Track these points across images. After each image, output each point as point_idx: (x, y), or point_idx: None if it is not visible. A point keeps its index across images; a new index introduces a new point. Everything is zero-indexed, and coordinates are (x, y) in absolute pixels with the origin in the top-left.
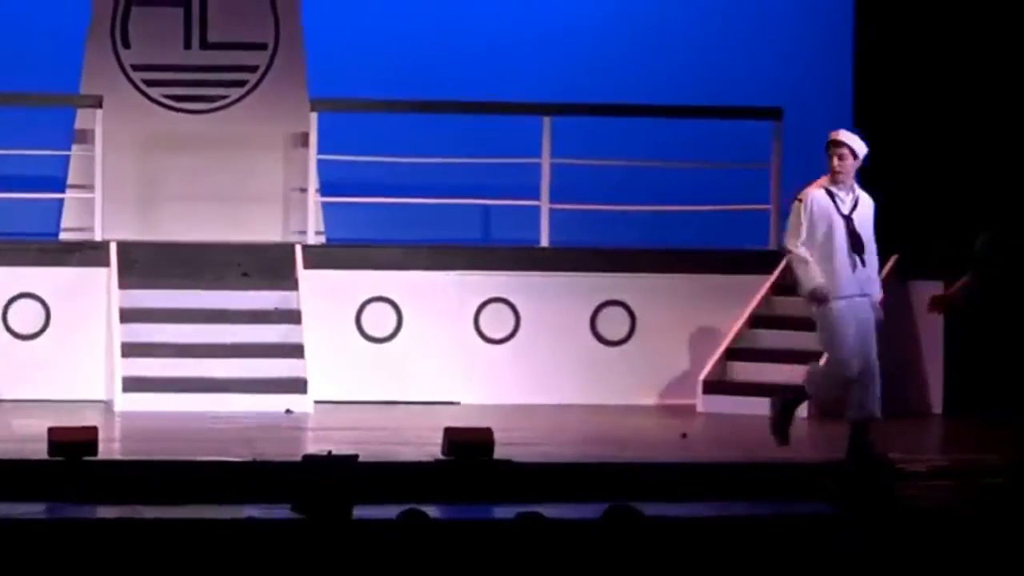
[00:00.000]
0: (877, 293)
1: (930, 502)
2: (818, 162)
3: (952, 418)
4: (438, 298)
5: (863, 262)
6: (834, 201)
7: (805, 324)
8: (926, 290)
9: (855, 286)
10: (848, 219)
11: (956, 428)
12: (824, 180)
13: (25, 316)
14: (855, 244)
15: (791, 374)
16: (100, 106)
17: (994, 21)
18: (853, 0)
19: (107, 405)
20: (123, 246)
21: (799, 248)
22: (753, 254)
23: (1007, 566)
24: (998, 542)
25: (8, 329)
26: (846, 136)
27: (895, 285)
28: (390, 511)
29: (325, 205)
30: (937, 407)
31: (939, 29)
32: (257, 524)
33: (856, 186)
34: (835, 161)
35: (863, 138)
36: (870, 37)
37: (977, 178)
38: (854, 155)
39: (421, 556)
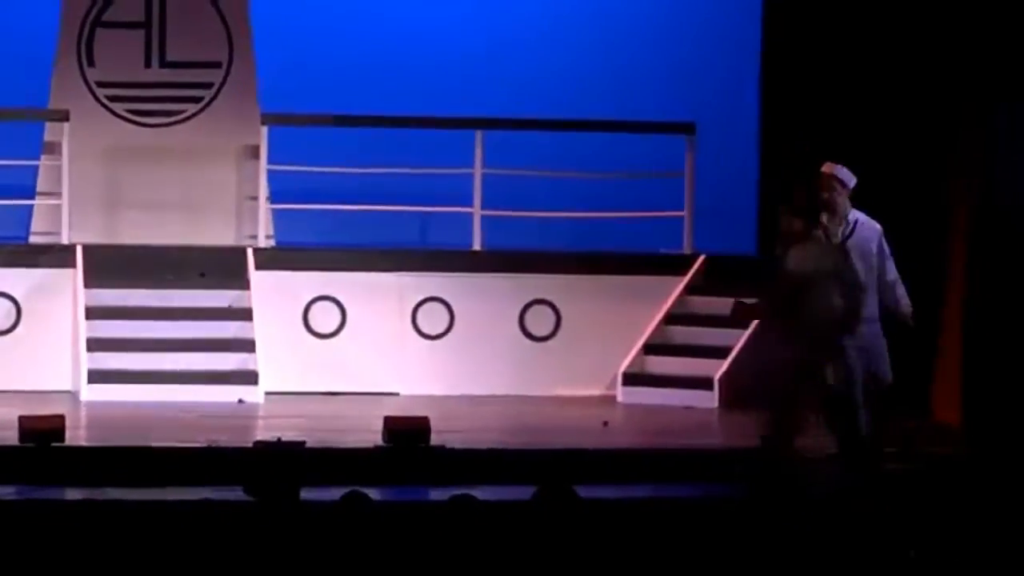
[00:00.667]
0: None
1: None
2: (727, 173)
3: None
4: (379, 297)
5: None
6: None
7: (715, 322)
8: None
9: None
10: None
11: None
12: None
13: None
14: None
15: (702, 367)
16: (67, 120)
17: (896, 31)
18: (760, 20)
19: (74, 396)
20: (88, 249)
21: None
22: (668, 257)
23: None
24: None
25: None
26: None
27: None
28: (334, 493)
29: (275, 211)
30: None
31: (843, 41)
32: (212, 505)
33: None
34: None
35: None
36: (776, 52)
37: (878, 183)
38: (842, 186)
39: (363, 536)
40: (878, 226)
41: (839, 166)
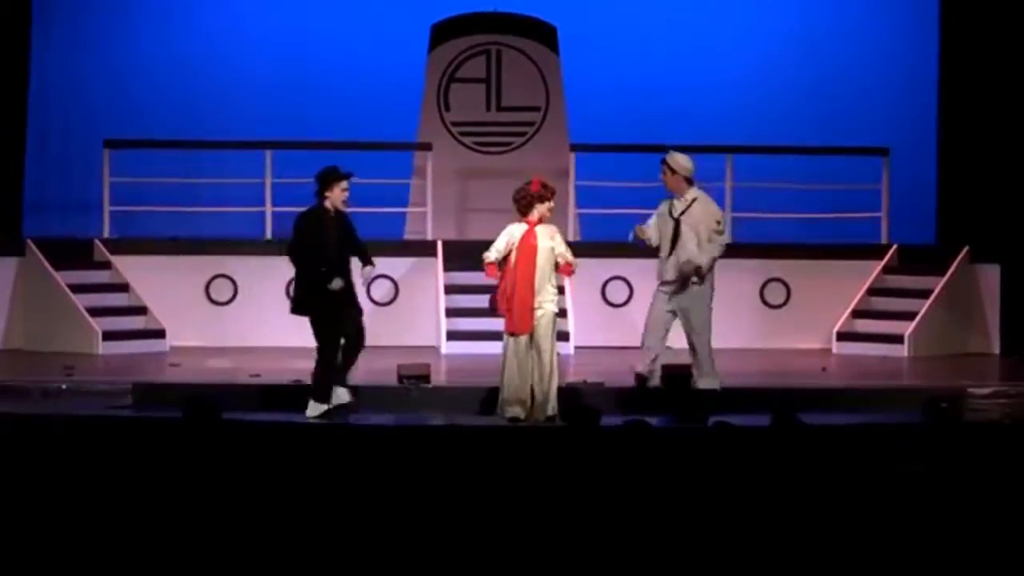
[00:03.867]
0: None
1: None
2: (913, 180)
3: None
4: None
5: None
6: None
7: (905, 293)
8: (990, 272)
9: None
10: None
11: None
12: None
13: (382, 290)
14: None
15: (896, 327)
16: (431, 149)
17: None
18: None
19: (436, 350)
20: (446, 243)
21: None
22: (870, 246)
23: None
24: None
25: (370, 299)
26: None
27: (965, 266)
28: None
29: (580, 216)
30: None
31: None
32: (524, 431)
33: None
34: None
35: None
36: (952, 74)
37: None
38: (672, 171)
39: (647, 455)
40: (714, 208)
41: (671, 153)
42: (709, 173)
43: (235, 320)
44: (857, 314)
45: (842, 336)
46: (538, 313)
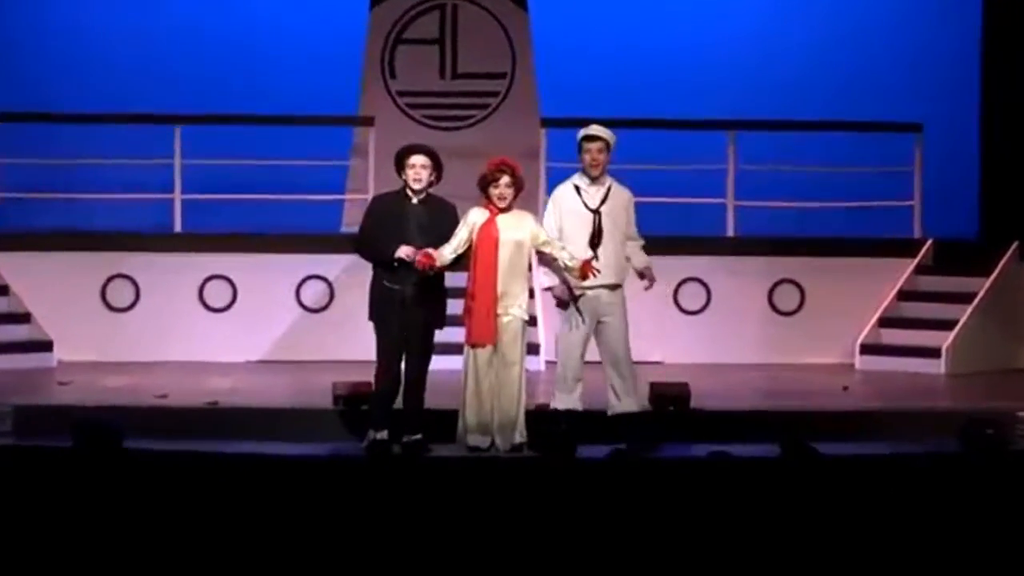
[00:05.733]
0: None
1: None
2: (952, 166)
3: None
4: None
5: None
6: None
7: (942, 298)
8: None
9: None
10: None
11: None
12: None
13: (314, 293)
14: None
15: (931, 338)
16: (372, 125)
17: None
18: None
19: None
20: None
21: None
22: (900, 241)
23: None
24: None
25: (300, 304)
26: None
27: (1014, 266)
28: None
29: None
30: None
31: None
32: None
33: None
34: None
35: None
36: (995, 54)
37: None
38: (609, 148)
39: (631, 486)
40: (629, 195)
41: (593, 127)
42: (706, 153)
43: (137, 330)
44: (884, 323)
45: (867, 349)
46: (503, 320)
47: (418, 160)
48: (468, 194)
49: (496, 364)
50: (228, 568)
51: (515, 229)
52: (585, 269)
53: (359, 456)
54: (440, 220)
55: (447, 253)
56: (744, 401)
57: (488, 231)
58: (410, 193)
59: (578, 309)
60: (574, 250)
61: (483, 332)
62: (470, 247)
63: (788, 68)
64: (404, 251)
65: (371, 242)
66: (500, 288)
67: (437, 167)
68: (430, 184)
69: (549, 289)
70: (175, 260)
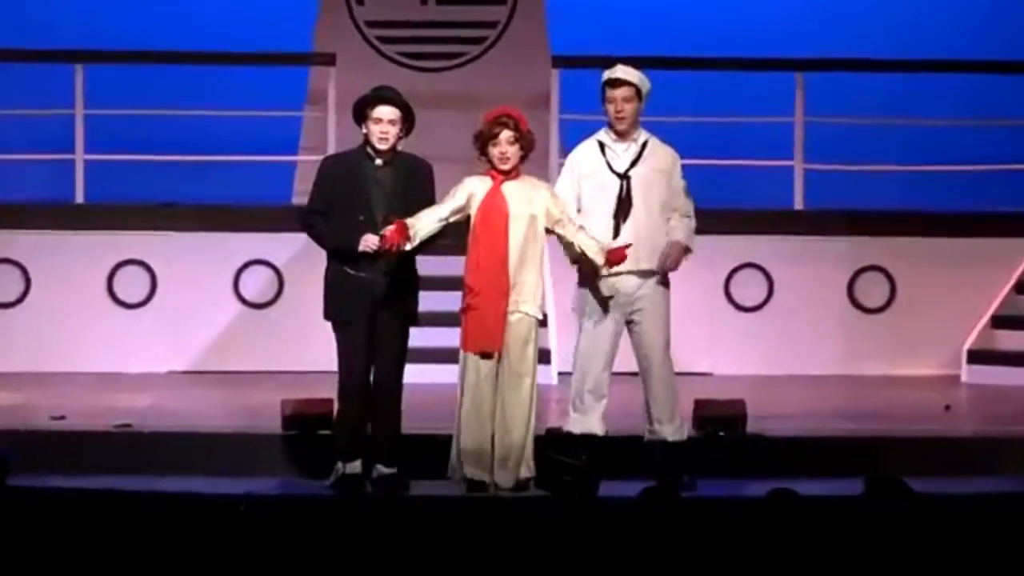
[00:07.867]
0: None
1: None
2: None
3: None
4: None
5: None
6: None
7: None
8: None
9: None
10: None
11: None
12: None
13: (256, 283)
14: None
15: None
16: (333, 64)
17: None
18: None
19: None
20: None
21: None
22: (1020, 216)
23: None
24: None
25: (239, 296)
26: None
27: None
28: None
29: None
30: None
31: None
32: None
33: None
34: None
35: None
36: None
37: None
38: (640, 97)
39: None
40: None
41: (622, 67)
42: (762, 101)
43: (27, 331)
44: (998, 322)
45: (975, 356)
46: (512, 319)
47: (385, 113)
48: (459, 155)
49: (502, 377)
50: None
51: (527, 202)
52: (616, 256)
53: (323, 496)
54: (412, 186)
55: (427, 222)
56: (815, 424)
57: (493, 203)
58: (372, 152)
59: (601, 302)
60: (595, 227)
61: (487, 336)
62: (467, 224)
63: None
64: (369, 241)
65: (321, 219)
66: (509, 276)
67: (408, 119)
68: (398, 140)
69: (577, 262)
70: (76, 240)
